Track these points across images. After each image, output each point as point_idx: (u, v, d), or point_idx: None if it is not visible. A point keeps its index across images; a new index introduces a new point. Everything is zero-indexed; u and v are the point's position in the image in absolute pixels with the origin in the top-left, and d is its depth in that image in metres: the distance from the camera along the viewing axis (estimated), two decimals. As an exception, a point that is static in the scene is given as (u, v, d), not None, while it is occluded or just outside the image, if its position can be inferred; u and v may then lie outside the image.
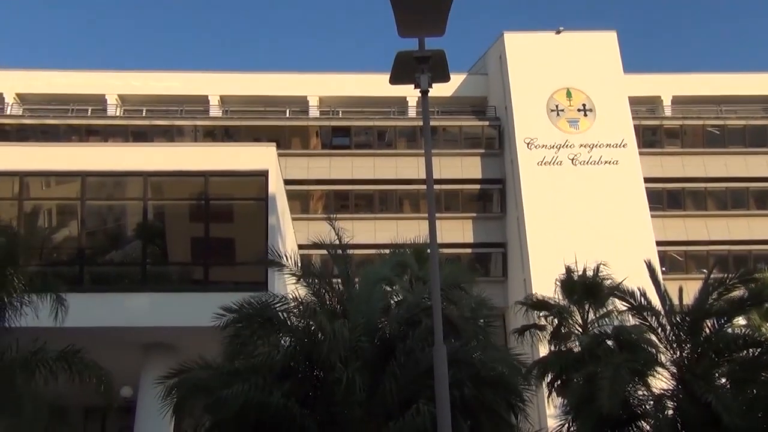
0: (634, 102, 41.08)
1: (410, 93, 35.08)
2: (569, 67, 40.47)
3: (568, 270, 22.81)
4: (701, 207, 41.07)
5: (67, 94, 41.55)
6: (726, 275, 16.52)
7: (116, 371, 14.68)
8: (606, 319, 21.25)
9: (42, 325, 13.76)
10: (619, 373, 14.70)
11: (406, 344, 12.12)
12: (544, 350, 23.49)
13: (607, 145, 39.17)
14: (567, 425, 17.63)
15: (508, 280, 38.92)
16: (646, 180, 38.88)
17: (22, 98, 42.29)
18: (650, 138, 42.31)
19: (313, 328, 12.64)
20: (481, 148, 42.06)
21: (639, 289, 16.72)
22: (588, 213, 36.55)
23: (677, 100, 43.66)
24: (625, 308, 17.94)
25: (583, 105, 40.14)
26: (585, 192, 37.55)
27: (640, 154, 39.59)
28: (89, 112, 42.42)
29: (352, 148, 41.95)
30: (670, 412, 15.41)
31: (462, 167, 40.83)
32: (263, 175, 19.75)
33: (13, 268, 13.68)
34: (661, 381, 15.87)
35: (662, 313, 16.15)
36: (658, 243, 37.18)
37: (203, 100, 42.59)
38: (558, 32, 41.78)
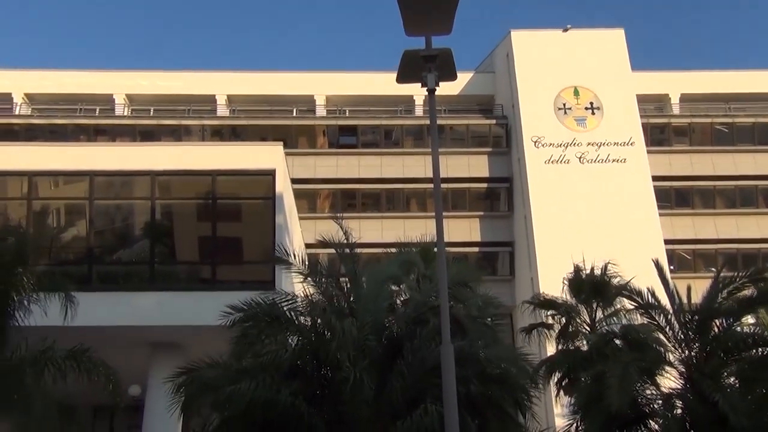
0: (642, 100, 40.92)
1: (417, 92, 34.95)
2: (577, 65, 40.36)
3: (576, 269, 22.76)
4: (710, 205, 40.88)
5: (75, 94, 41.75)
6: (735, 274, 16.43)
7: (124, 370, 14.75)
8: (614, 318, 21.21)
9: (51, 323, 13.83)
10: (628, 371, 14.65)
11: (413, 343, 12.12)
12: (551, 349, 23.44)
13: (615, 143, 39.03)
14: (575, 424, 17.58)
15: (516, 279, 38.84)
16: (654, 178, 38.72)
17: (30, 98, 42.53)
18: (658, 136, 42.15)
19: (320, 327, 12.66)
20: (488, 146, 42.01)
21: (648, 289, 16.66)
22: (596, 211, 36.44)
23: (685, 98, 43.46)
24: (633, 307, 17.88)
25: (591, 103, 40.02)
26: (592, 190, 37.43)
27: (648, 152, 39.44)
28: (97, 112, 42.61)
29: (359, 147, 41.97)
30: (679, 411, 15.34)
31: (469, 166, 40.78)
32: (270, 174, 19.77)
33: (23, 268, 13.74)
34: (669, 380, 15.81)
35: (670, 311, 16.08)
36: (667, 241, 37.03)
37: (210, 100, 42.71)
38: (565, 30, 41.67)
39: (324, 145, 42.47)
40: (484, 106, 43.70)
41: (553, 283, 25.34)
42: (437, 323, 10.44)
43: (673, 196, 40.46)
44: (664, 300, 16.46)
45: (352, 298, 13.29)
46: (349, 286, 13.57)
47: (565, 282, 22.85)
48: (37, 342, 13.27)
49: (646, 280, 17.49)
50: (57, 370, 13.13)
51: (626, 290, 17.88)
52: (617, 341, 17.89)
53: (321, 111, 43.49)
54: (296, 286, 14.87)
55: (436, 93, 8.92)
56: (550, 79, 39.99)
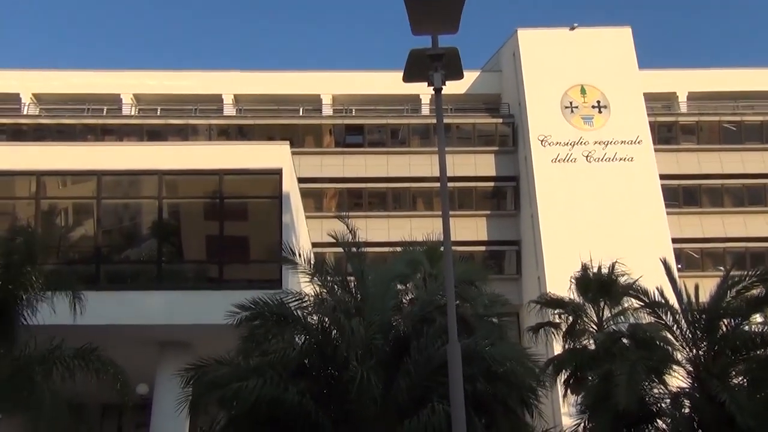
0: (649, 98, 40.77)
1: (423, 91, 35.18)
2: (583, 64, 40.25)
3: (584, 267, 22.71)
4: (718, 204, 40.70)
5: (82, 94, 41.95)
6: (744, 273, 16.37)
7: (132, 369, 14.82)
8: (621, 317, 21.16)
9: (59, 322, 13.91)
10: (636, 370, 14.62)
11: (420, 342, 12.12)
12: (558, 348, 23.41)
13: (622, 141, 38.90)
14: (583, 423, 17.55)
15: (522, 278, 38.80)
16: (662, 177, 38.57)
17: (38, 98, 42.75)
18: (666, 134, 41.98)
19: (328, 326, 12.68)
20: (494, 145, 41.95)
21: (657, 288, 16.62)
22: (603, 210, 36.35)
23: (693, 96, 43.29)
24: (641, 306, 17.84)
25: (598, 101, 39.90)
26: (599, 189, 37.33)
27: (656, 150, 39.30)
28: (105, 112, 42.80)
29: (365, 145, 42.00)
30: (687, 410, 15.30)
31: (476, 165, 40.73)
32: (277, 173, 19.81)
33: (31, 267, 13.81)
34: (677, 379, 15.77)
35: (678, 310, 16.04)
36: (674, 240, 36.90)
37: (217, 99, 42.82)
38: (572, 28, 41.56)
39: (330, 144, 42.51)
40: (491, 104, 43.64)
41: (559, 282, 25.29)
42: (444, 322, 10.44)
43: (681, 195, 40.31)
44: (672, 299, 16.42)
45: (359, 297, 13.30)
46: (355, 285, 13.58)
47: (573, 280, 22.81)
48: (45, 341, 13.34)
49: (653, 279, 17.45)
50: (65, 369, 13.21)
51: (633, 289, 17.85)
52: (624, 340, 17.85)
53: (327, 110, 43.54)
54: (303, 284, 14.90)
55: (443, 92, 8.91)
56: (557, 78, 39.89)
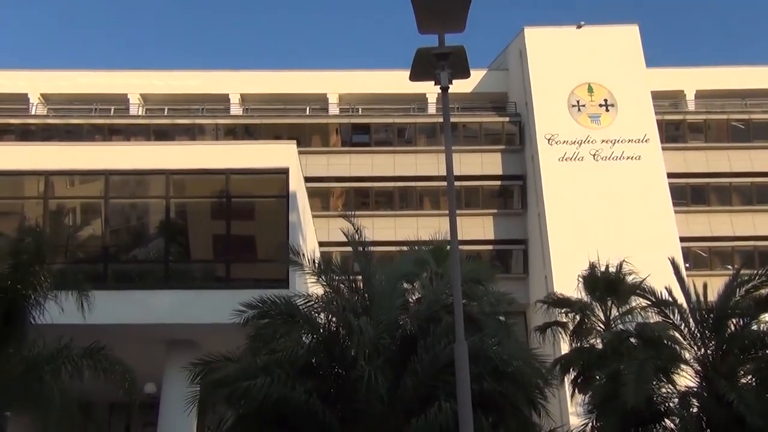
0: (657, 96, 40.59)
1: (430, 89, 35.05)
2: (590, 62, 40.11)
3: (591, 266, 22.65)
4: (726, 202, 40.51)
5: (90, 94, 42.12)
6: (753, 272, 16.29)
7: (140, 368, 14.86)
8: (629, 316, 21.09)
9: (67, 321, 13.97)
10: (644, 369, 14.57)
11: (427, 341, 12.12)
12: (565, 347, 23.35)
13: (630, 140, 38.76)
14: (590, 423, 17.51)
15: (529, 277, 38.72)
16: (670, 175, 38.41)
17: (46, 98, 42.94)
18: (673, 133, 41.80)
19: (335, 325, 12.68)
20: (501, 144, 41.87)
21: (666, 288, 16.56)
22: (610, 209, 36.23)
23: (701, 94, 43.09)
24: (648, 305, 17.78)
25: (605, 100, 39.77)
26: (607, 188, 37.21)
27: (663, 149, 39.13)
28: (112, 112, 42.94)
29: (372, 145, 41.98)
30: (695, 410, 15.24)
31: (482, 163, 40.67)
32: (284, 172, 19.84)
33: (39, 266, 13.87)
34: (685, 378, 15.71)
35: (686, 310, 15.98)
36: (682, 239, 36.75)
37: (224, 99, 42.90)
38: (579, 27, 41.42)
39: (337, 143, 42.53)
40: (498, 103, 43.53)
41: (567, 281, 25.22)
42: (450, 321, 10.45)
43: (689, 194, 40.13)
44: (680, 298, 16.36)
45: (366, 296, 13.30)
46: (362, 284, 13.58)
47: (580, 279, 22.75)
48: (54, 340, 13.41)
49: (661, 277, 17.39)
50: (74, 368, 13.27)
51: (641, 288, 17.79)
52: (632, 339, 17.81)
53: (334, 109, 43.55)
54: (310, 284, 14.92)
55: (449, 91, 8.91)
56: (564, 76, 39.78)
